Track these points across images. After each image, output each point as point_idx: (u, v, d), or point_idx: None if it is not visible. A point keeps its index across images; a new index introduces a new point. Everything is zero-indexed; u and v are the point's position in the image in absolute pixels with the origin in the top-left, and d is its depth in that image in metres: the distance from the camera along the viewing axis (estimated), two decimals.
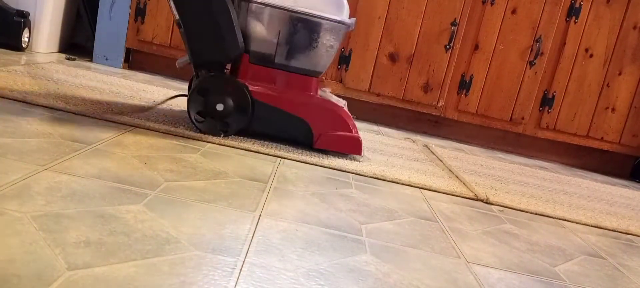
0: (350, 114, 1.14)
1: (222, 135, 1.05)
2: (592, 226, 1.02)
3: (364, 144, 1.36)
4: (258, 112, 1.08)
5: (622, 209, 1.23)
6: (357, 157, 1.15)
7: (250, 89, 1.06)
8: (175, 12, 1.04)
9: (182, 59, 1.14)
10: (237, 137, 1.08)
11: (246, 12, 1.08)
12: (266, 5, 1.06)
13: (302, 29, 1.08)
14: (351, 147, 1.13)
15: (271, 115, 1.09)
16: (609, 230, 1.02)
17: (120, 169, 0.73)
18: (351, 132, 1.12)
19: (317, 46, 1.09)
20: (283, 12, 1.07)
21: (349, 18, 1.11)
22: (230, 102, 1.04)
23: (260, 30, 1.08)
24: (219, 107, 1.04)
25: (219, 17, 1.02)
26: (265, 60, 1.09)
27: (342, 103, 1.16)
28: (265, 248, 0.58)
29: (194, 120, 1.04)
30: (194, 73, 1.11)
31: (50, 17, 1.69)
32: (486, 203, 1.03)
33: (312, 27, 1.09)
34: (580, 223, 1.02)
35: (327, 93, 1.18)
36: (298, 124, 1.10)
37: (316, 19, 1.08)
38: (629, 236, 1.01)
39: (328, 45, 1.09)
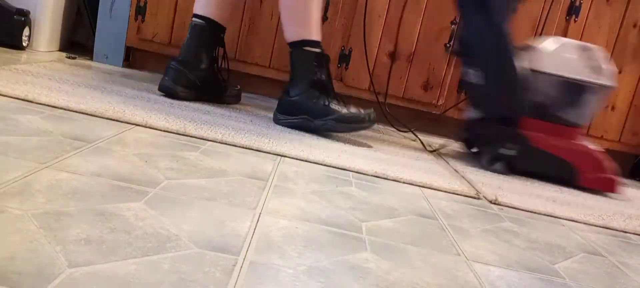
0: (607, 158, 1.37)
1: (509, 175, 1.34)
2: (600, 226, 1.02)
3: (366, 142, 1.36)
4: (533, 155, 1.36)
5: (628, 208, 1.23)
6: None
7: (528, 137, 1.35)
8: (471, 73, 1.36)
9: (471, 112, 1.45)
10: (237, 134, 1.08)
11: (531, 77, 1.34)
12: (546, 73, 1.32)
13: (572, 91, 1.33)
14: (608, 186, 1.36)
15: (542, 157, 1.36)
16: (618, 230, 1.02)
17: (120, 167, 0.73)
18: (607, 173, 1.36)
19: (583, 103, 1.34)
20: (558, 78, 1.32)
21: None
22: (513, 147, 1.34)
23: (539, 91, 1.34)
24: (503, 151, 1.34)
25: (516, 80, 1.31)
26: (540, 115, 1.36)
27: (600, 149, 1.39)
28: (265, 246, 0.58)
29: (486, 163, 1.36)
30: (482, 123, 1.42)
31: (50, 16, 1.69)
32: (495, 204, 1.03)
33: (581, 90, 1.33)
34: (588, 224, 1.02)
35: (586, 141, 1.43)
36: (564, 165, 1.35)
37: (586, 84, 1.32)
38: (627, 234, 1.01)
39: (593, 103, 1.34)
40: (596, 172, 1.35)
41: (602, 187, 1.36)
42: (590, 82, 1.31)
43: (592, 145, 1.38)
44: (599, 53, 1.33)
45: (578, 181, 1.35)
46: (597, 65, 1.32)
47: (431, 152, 1.44)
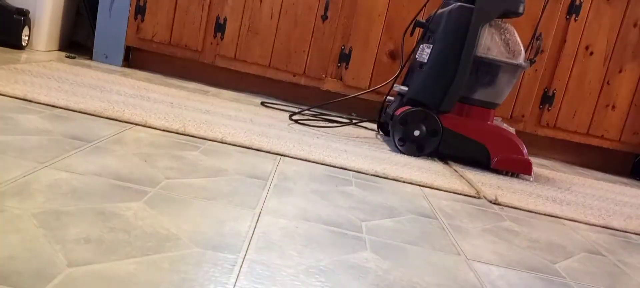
0: (520, 140, 1.33)
1: (417, 156, 1.31)
2: (600, 226, 1.02)
3: (368, 140, 1.36)
4: (446, 137, 1.32)
5: (627, 208, 1.23)
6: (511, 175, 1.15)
7: (440, 118, 1.31)
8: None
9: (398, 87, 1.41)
10: (237, 133, 1.08)
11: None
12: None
13: (485, 71, 1.31)
14: (523, 168, 1.32)
15: (456, 140, 1.32)
16: (618, 230, 1.02)
17: (120, 167, 0.73)
18: (523, 155, 1.31)
19: (496, 83, 1.31)
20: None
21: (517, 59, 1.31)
22: (424, 129, 1.30)
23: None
24: (416, 133, 1.29)
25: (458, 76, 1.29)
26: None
27: (512, 130, 1.37)
28: (265, 245, 0.58)
29: (396, 144, 1.31)
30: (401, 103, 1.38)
31: (50, 15, 1.69)
32: (495, 204, 1.03)
33: (494, 69, 1.31)
34: (589, 224, 1.01)
35: (500, 121, 1.40)
36: (478, 147, 1.32)
37: (497, 63, 1.30)
38: (628, 234, 1.01)
39: (506, 82, 1.32)
40: (509, 154, 1.30)
41: (516, 169, 1.32)
42: (504, 62, 1.29)
43: (505, 126, 1.35)
44: (512, 31, 1.31)
45: (491, 163, 1.31)
46: (511, 44, 1.29)
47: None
